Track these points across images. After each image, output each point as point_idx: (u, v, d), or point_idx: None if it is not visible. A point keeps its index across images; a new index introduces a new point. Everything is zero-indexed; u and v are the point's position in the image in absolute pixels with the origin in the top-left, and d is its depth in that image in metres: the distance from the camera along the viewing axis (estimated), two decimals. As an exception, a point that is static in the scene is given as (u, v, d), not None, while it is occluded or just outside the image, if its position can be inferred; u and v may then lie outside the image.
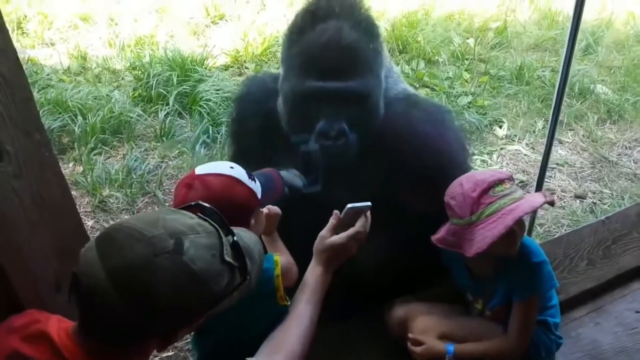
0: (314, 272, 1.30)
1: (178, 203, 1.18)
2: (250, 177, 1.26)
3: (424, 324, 1.57)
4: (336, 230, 1.31)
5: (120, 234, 0.94)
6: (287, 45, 1.54)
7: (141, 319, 0.92)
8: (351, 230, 1.29)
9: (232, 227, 1.06)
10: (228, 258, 0.99)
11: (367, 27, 1.48)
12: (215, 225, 1.02)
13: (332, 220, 1.32)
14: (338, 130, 1.44)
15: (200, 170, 1.23)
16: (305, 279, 1.30)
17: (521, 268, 1.47)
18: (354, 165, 1.49)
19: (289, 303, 1.28)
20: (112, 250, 0.92)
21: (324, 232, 1.31)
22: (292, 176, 1.48)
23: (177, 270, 0.92)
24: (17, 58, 1.09)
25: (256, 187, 1.26)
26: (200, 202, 1.09)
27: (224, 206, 1.11)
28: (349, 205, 1.30)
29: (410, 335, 1.55)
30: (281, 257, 1.33)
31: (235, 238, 1.04)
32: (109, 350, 0.98)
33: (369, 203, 1.31)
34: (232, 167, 1.24)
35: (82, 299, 0.95)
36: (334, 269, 1.31)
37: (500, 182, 1.40)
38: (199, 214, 1.04)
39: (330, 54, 1.41)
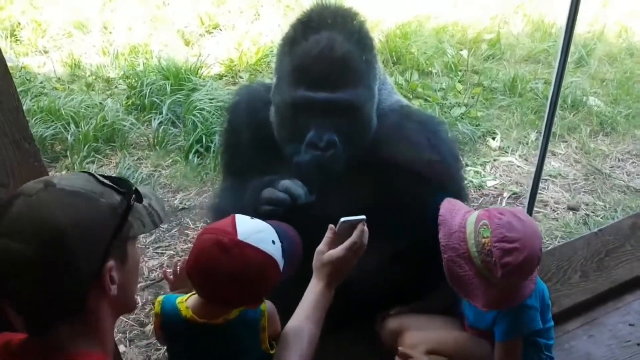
0: (315, 288, 1.26)
1: (205, 259, 1.10)
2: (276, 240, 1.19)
3: (414, 339, 1.55)
4: (332, 245, 1.28)
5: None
6: (280, 56, 1.53)
7: (56, 259, 0.87)
8: (347, 242, 1.26)
9: None
10: (104, 180, 0.97)
11: (360, 39, 1.47)
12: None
13: (328, 235, 1.29)
14: (327, 141, 1.43)
15: (242, 232, 1.12)
16: (305, 296, 1.27)
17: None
18: (347, 176, 1.47)
19: (273, 351, 1.23)
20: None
21: (320, 247, 1.28)
22: (295, 186, 1.45)
23: (59, 196, 0.90)
24: (6, 66, 1.08)
25: (279, 255, 1.18)
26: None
27: (246, 279, 1.10)
28: (343, 219, 1.28)
29: (400, 348, 1.53)
30: (267, 302, 1.27)
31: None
32: (59, 332, 0.93)
33: (363, 216, 1.28)
34: (273, 242, 1.16)
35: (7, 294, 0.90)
36: (336, 284, 1.27)
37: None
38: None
39: (322, 64, 1.41)
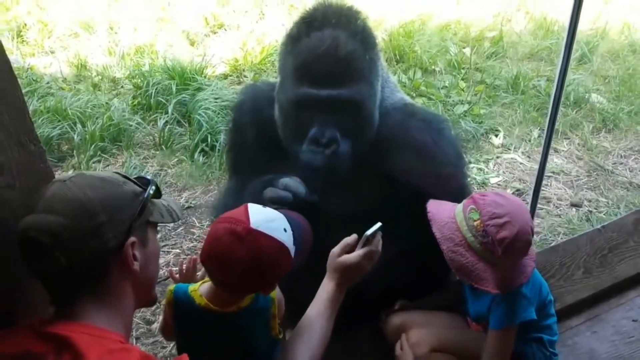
0: (327, 287, 1.29)
1: (220, 247, 1.12)
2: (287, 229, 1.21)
3: (418, 337, 1.56)
4: (348, 251, 1.30)
5: None
6: (283, 54, 1.54)
7: (86, 227, 0.98)
8: (364, 250, 1.28)
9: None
10: (127, 176, 1.11)
11: (363, 37, 1.48)
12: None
13: (347, 241, 1.31)
14: (329, 138, 1.43)
15: (255, 221, 1.13)
16: (318, 294, 1.29)
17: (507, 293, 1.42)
18: (351, 174, 1.48)
19: (281, 336, 1.26)
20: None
21: (336, 250, 1.30)
22: (295, 183, 1.47)
23: (88, 179, 1.03)
24: (11, 68, 1.07)
25: (290, 243, 1.20)
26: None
27: (260, 267, 1.12)
28: (367, 233, 1.29)
29: (402, 335, 1.56)
30: (276, 289, 1.29)
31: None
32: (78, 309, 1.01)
33: (379, 224, 1.30)
34: (285, 230, 1.18)
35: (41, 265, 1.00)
36: (347, 286, 1.30)
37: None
38: None
39: (325, 61, 1.41)
